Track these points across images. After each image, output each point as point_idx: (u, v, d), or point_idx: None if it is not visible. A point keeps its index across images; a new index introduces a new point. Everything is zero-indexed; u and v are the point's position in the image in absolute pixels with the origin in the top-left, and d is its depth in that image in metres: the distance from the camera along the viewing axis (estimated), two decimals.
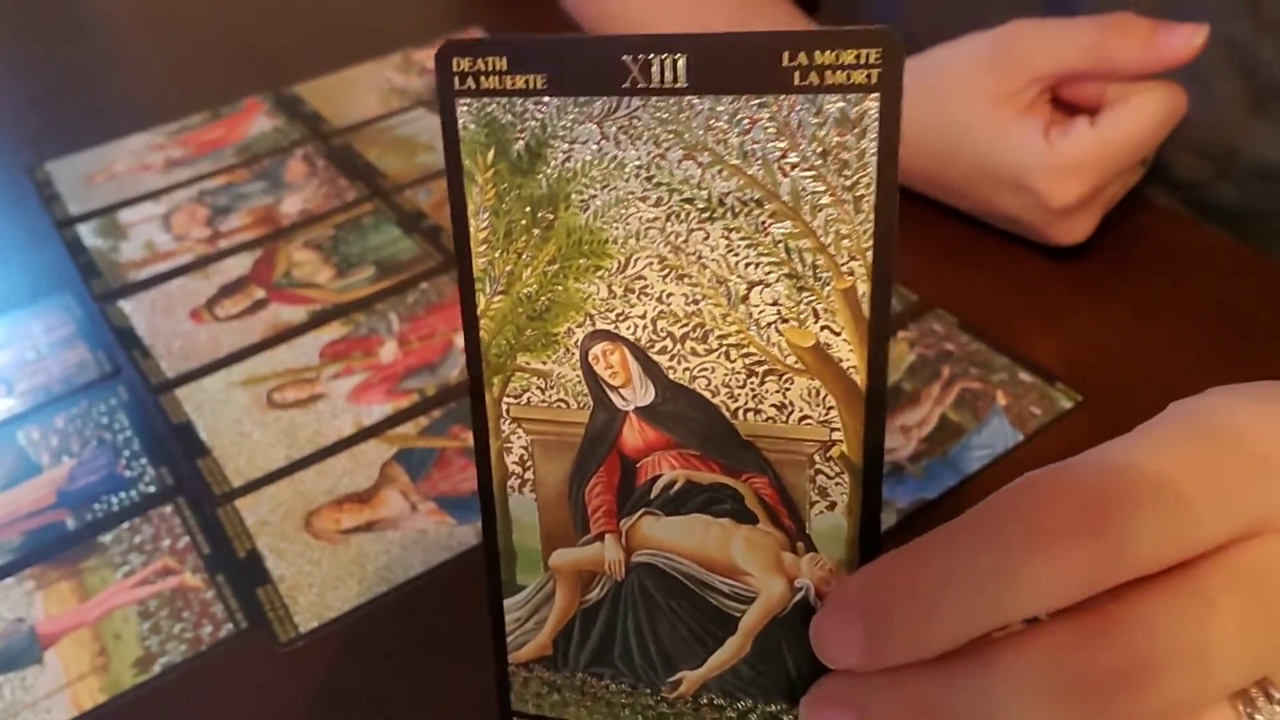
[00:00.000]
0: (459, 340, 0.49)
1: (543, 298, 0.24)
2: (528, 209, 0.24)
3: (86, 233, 0.58)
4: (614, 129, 0.23)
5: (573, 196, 0.24)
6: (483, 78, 0.23)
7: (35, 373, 0.50)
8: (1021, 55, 0.46)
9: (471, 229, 0.24)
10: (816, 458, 0.24)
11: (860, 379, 0.23)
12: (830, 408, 0.24)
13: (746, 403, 0.24)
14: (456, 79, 0.23)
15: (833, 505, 0.24)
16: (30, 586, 0.40)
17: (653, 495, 0.25)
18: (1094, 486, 0.22)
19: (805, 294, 0.23)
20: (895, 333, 0.47)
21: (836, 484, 0.24)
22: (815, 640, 0.23)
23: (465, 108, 0.24)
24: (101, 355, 0.50)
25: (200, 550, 0.41)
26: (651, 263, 0.24)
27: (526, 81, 0.23)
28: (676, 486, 0.25)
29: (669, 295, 0.24)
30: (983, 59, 0.47)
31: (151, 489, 0.43)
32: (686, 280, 0.24)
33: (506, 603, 0.27)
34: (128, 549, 0.41)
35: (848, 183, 0.22)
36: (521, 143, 0.24)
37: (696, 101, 0.22)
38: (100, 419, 0.47)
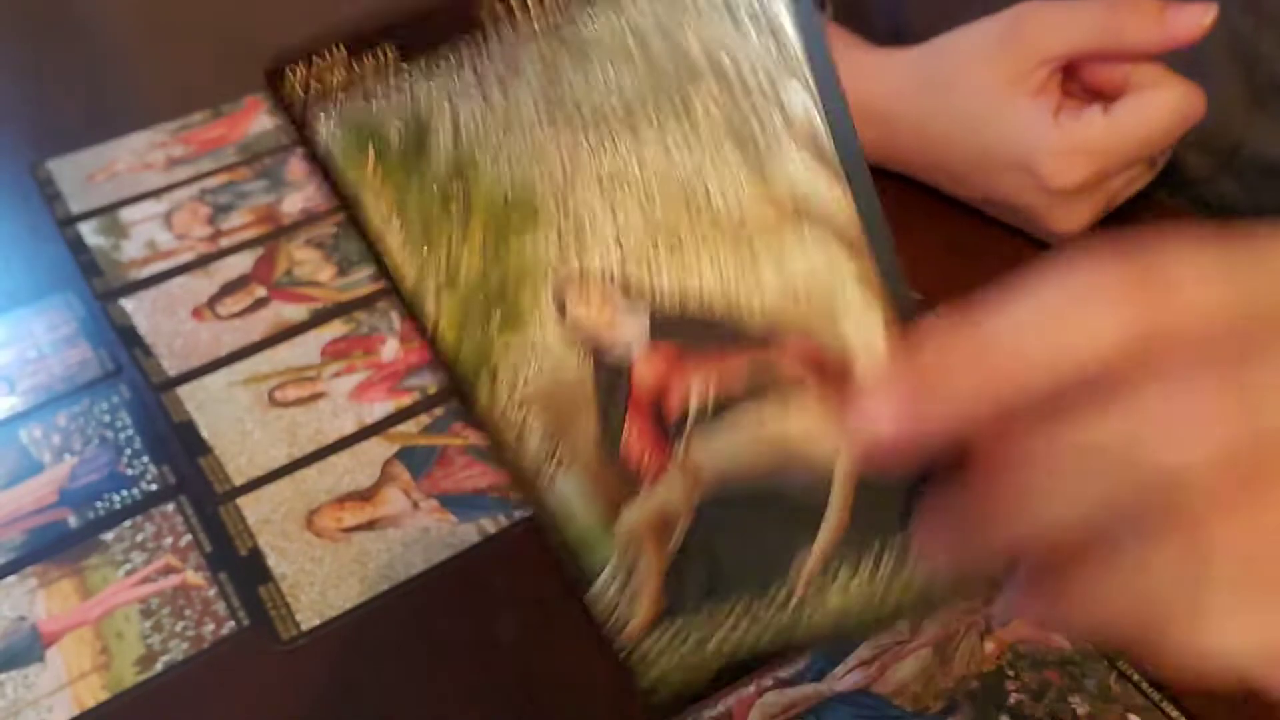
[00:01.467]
0: None
1: (493, 275, 0.22)
2: (435, 190, 0.21)
3: (88, 231, 0.58)
4: (491, 70, 0.21)
5: (477, 158, 0.21)
6: (327, 76, 0.21)
7: (37, 371, 0.50)
8: (1032, 35, 0.47)
9: (386, 243, 0.22)
10: (831, 299, 0.22)
11: (847, 207, 0.22)
12: (829, 247, 0.22)
13: (741, 279, 0.22)
14: (301, 93, 0.21)
15: (872, 320, 0.23)
16: (32, 585, 0.40)
17: (692, 414, 0.23)
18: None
19: (757, 151, 0.21)
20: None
21: (865, 310, 0.23)
22: (856, 419, 0.21)
23: (322, 119, 0.21)
24: (103, 354, 0.50)
25: (202, 548, 0.41)
26: (590, 187, 0.22)
27: (376, 60, 0.21)
28: (709, 394, 0.23)
29: (622, 212, 0.22)
30: (992, 40, 0.48)
31: (153, 487, 0.43)
32: (633, 188, 0.22)
33: (595, 591, 0.24)
34: (129, 547, 0.41)
35: (756, 15, 0.21)
36: (398, 125, 0.21)
37: (569, 4, 0.20)
38: (102, 417, 0.47)
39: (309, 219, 0.58)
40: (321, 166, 0.21)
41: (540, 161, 0.21)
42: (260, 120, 0.67)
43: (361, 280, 0.53)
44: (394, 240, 0.22)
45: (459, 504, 0.41)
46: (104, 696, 0.36)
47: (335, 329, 0.51)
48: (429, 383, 0.47)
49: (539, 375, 0.23)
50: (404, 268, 0.22)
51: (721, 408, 0.23)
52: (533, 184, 0.22)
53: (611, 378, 0.23)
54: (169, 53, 0.79)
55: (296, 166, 0.62)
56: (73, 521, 0.42)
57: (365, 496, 0.42)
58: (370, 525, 0.41)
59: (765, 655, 0.24)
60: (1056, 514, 0.21)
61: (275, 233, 0.57)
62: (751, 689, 0.33)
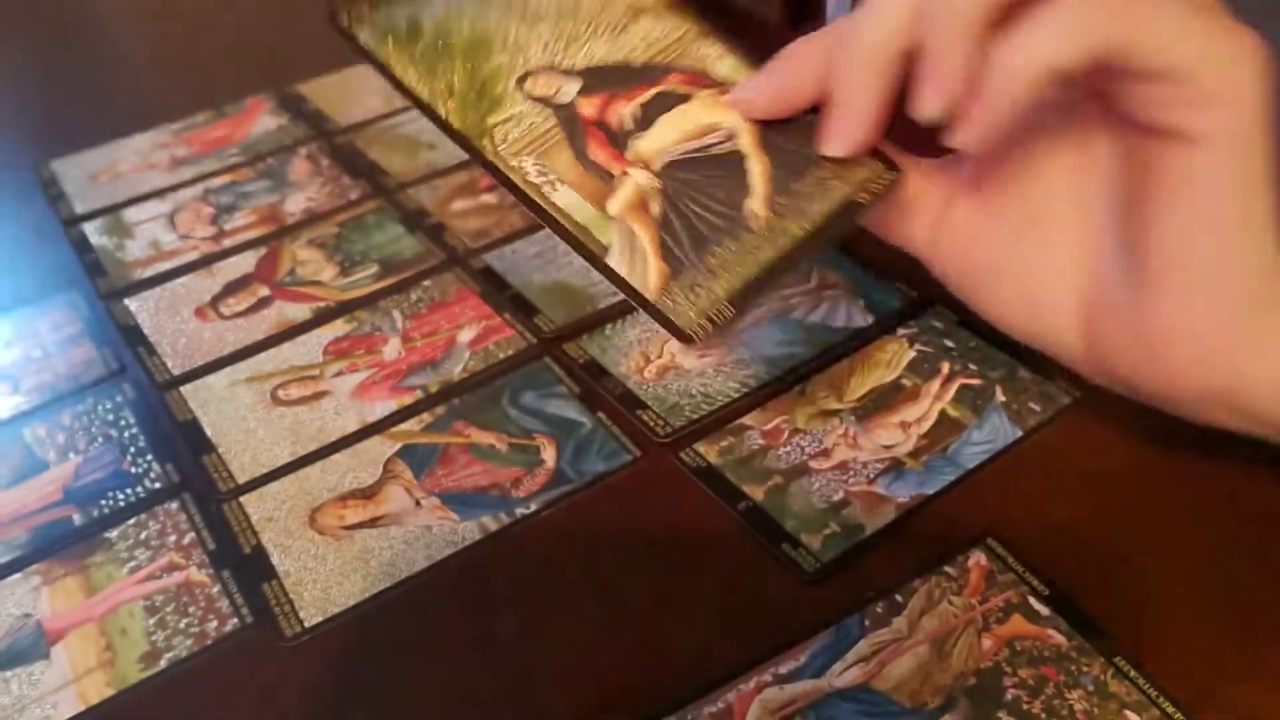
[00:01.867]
0: (461, 337, 0.49)
1: (477, 81, 0.37)
2: (432, 47, 0.37)
3: (92, 231, 0.59)
4: None
5: (451, 23, 0.37)
6: (359, 5, 0.37)
7: (41, 370, 0.50)
8: None
9: (412, 86, 0.36)
10: (698, 46, 0.38)
11: None
12: (667, 20, 0.38)
13: (629, 46, 0.38)
14: (346, 20, 0.37)
15: (723, 56, 0.37)
16: (37, 582, 0.40)
17: (629, 128, 0.36)
18: None
19: None
20: (895, 329, 0.48)
21: (719, 52, 0.38)
22: (738, 103, 0.36)
23: (363, 29, 0.37)
24: (107, 353, 0.51)
25: (206, 546, 0.41)
26: (511, 20, 0.38)
27: None
28: (636, 113, 0.36)
29: (536, 28, 0.38)
30: None
31: (157, 485, 0.44)
32: (532, 10, 0.38)
33: (611, 262, 0.33)
34: (134, 545, 0.41)
35: None
36: (404, 18, 0.37)
37: None
38: (106, 416, 0.47)
39: (311, 219, 0.58)
40: (367, 58, 0.37)
41: (481, 9, 0.38)
42: (263, 121, 0.67)
43: (363, 280, 0.54)
44: (415, 82, 0.36)
45: (461, 502, 0.42)
46: (108, 693, 0.36)
47: (337, 328, 0.51)
48: (430, 382, 0.47)
49: (521, 132, 0.36)
50: (423, 94, 0.36)
51: (648, 119, 0.36)
52: (484, 27, 0.38)
53: (569, 118, 0.36)
54: (172, 53, 0.79)
55: (299, 167, 0.63)
56: (77, 519, 0.42)
57: (367, 495, 0.42)
58: (372, 523, 0.41)
59: (768, 273, 0.33)
60: (880, 29, 0.31)
61: (278, 232, 0.58)
62: (751, 685, 0.34)
